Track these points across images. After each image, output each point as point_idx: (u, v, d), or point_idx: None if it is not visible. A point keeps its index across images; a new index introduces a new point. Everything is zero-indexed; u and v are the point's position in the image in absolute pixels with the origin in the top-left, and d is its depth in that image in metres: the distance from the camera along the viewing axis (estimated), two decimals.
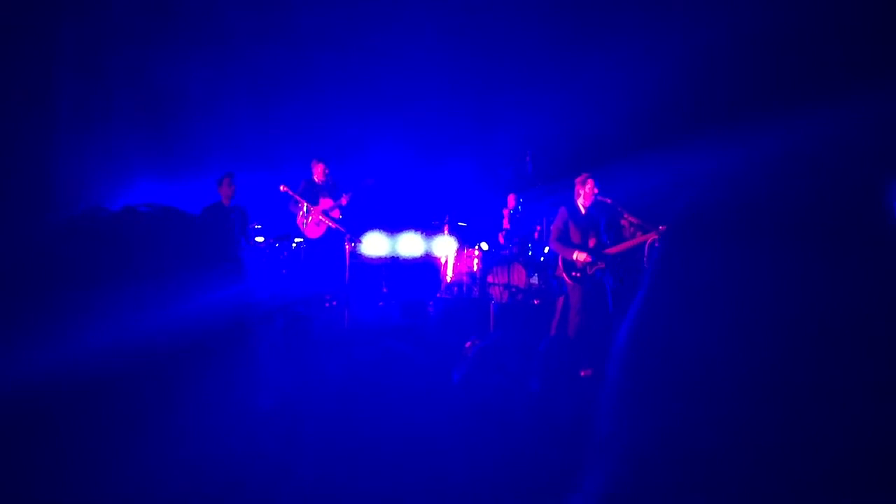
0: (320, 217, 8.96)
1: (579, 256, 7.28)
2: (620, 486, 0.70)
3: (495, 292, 9.38)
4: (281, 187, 9.04)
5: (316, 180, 9.11)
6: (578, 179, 7.47)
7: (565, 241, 7.42)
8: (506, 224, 10.08)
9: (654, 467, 0.69)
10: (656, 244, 7.28)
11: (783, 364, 0.65)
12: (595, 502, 0.70)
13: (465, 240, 10.15)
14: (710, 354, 0.68)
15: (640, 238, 7.38)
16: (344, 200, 8.96)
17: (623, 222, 7.56)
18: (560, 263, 7.49)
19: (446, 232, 10.23)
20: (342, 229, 8.88)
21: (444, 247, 10.18)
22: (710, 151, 6.90)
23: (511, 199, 10.22)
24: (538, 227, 9.80)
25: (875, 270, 0.66)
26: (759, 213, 0.70)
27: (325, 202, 9.00)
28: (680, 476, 0.67)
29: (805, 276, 0.66)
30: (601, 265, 7.29)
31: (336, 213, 8.99)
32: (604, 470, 0.71)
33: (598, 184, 7.39)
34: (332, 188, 9.09)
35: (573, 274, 7.36)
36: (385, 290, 9.61)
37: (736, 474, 0.65)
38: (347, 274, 8.76)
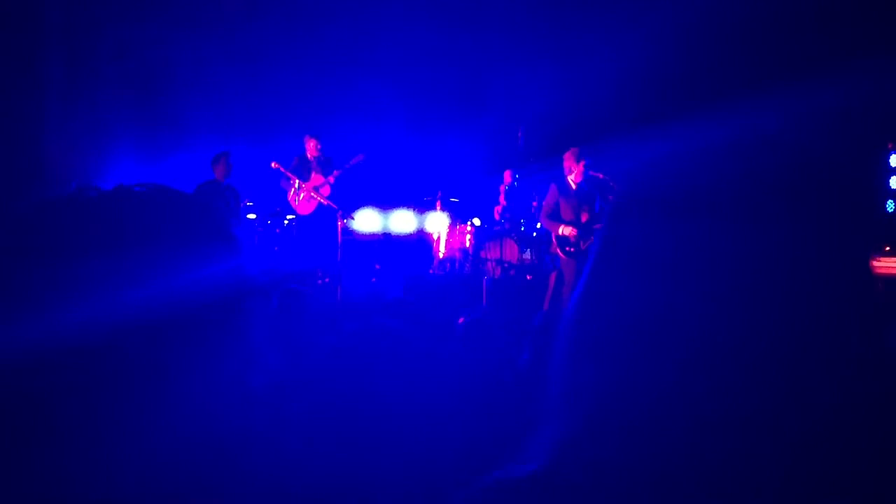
0: (311, 193, 8.92)
1: (565, 230, 7.31)
2: (567, 452, 0.73)
3: (488, 268, 9.41)
4: (272, 164, 8.99)
5: (308, 156, 9.04)
6: (567, 155, 7.44)
7: (556, 217, 7.44)
8: (502, 200, 10.06)
9: (599, 434, 0.72)
10: None
11: (718, 325, 0.68)
12: (541, 464, 0.73)
13: (458, 216, 10.15)
14: (654, 318, 0.71)
15: None
16: (332, 178, 8.90)
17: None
18: (554, 239, 7.51)
19: (438, 208, 10.22)
20: (334, 206, 8.85)
21: (437, 223, 10.18)
22: (700, 127, 6.88)
23: (507, 175, 10.17)
24: (534, 203, 9.79)
25: (823, 242, 0.69)
26: (705, 187, 0.73)
27: (317, 178, 8.95)
28: (622, 441, 0.71)
29: (743, 253, 0.69)
30: (593, 240, 7.31)
31: (326, 190, 8.93)
32: (551, 436, 0.74)
33: (587, 159, 7.37)
34: (324, 164, 9.02)
35: (567, 249, 7.38)
36: (377, 266, 9.62)
37: (672, 435, 0.69)
38: (340, 251, 8.75)
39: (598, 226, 7.29)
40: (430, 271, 9.86)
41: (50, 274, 0.77)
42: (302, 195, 8.95)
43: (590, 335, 0.75)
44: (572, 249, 7.35)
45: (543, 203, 7.67)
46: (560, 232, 7.33)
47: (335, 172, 8.92)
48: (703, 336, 0.69)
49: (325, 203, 8.85)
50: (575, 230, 7.28)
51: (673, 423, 0.69)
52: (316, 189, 8.89)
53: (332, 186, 8.94)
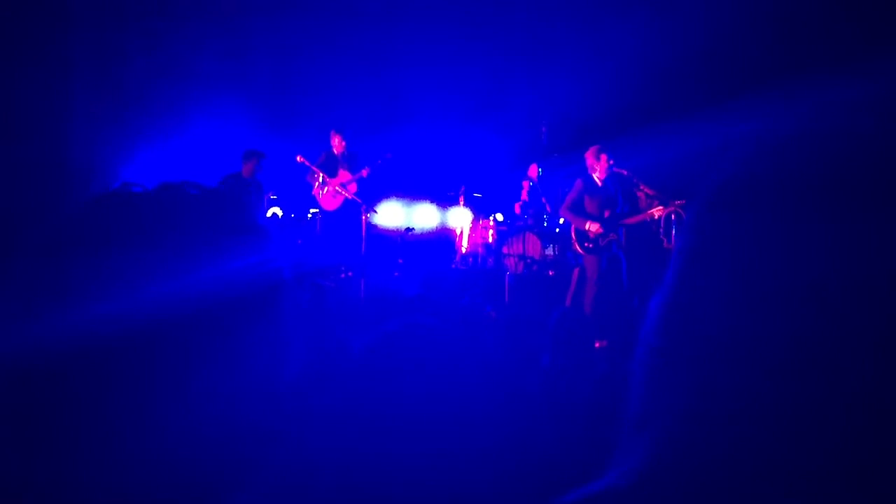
0: (336, 188, 8.96)
1: (591, 227, 7.28)
2: (659, 466, 0.69)
3: (510, 263, 9.39)
4: (298, 158, 9.04)
5: (335, 152, 9.10)
6: (589, 152, 7.42)
7: (578, 211, 7.43)
8: (524, 196, 10.03)
9: (693, 447, 0.67)
10: (673, 217, 7.26)
11: (828, 344, 0.63)
12: (632, 480, 0.70)
13: (481, 211, 10.14)
14: (751, 332, 0.66)
15: (654, 210, 7.35)
16: (364, 173, 8.96)
17: (639, 193, 7.53)
18: (573, 235, 7.49)
19: (461, 203, 10.22)
20: (359, 201, 8.88)
21: (460, 218, 10.18)
22: (729, 122, 6.79)
23: (532, 170, 10.11)
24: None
25: None
26: (800, 186, 0.67)
27: (344, 174, 9.00)
28: (721, 456, 0.66)
29: (851, 254, 0.63)
30: (613, 236, 7.29)
31: (353, 187, 8.98)
32: (640, 449, 0.71)
33: (610, 155, 7.34)
34: (350, 160, 9.08)
35: (585, 244, 7.37)
36: (400, 260, 9.65)
37: (779, 455, 0.64)
38: (363, 245, 8.78)
39: (622, 223, 7.28)
40: (453, 266, 9.87)
41: (92, 268, 0.78)
42: (326, 190, 9.00)
43: (685, 347, 0.70)
44: (590, 245, 7.34)
45: (567, 196, 7.66)
46: (586, 227, 7.31)
47: (365, 170, 8.95)
48: (817, 346, 0.63)
49: (350, 198, 8.89)
50: (601, 228, 7.26)
51: (782, 426, 0.64)
52: (343, 185, 8.93)
53: (360, 182, 8.99)
